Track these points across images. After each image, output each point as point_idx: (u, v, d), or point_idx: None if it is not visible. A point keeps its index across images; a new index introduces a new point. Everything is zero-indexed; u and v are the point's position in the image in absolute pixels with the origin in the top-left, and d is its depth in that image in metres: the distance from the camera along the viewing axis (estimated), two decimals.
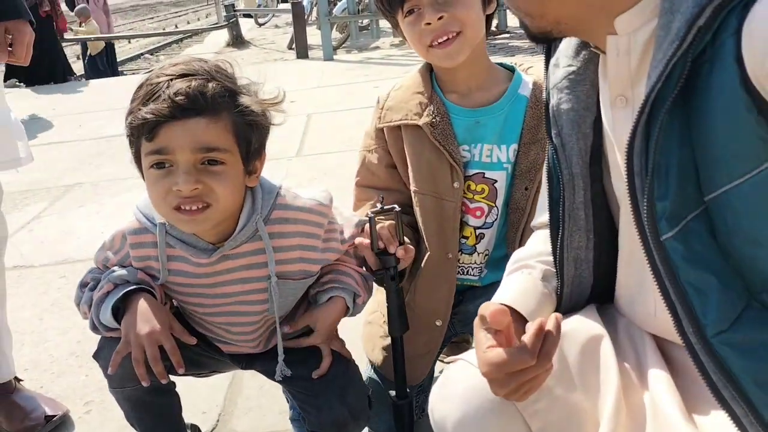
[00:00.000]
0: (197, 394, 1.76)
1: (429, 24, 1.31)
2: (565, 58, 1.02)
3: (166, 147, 1.11)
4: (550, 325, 0.88)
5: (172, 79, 1.11)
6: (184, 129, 1.10)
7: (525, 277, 1.11)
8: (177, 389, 1.42)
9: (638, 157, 0.81)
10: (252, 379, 1.89)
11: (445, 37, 1.32)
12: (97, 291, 1.26)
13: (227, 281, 1.28)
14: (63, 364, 2.10)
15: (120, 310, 1.22)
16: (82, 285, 1.32)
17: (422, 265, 1.46)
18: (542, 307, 1.05)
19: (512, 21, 7.58)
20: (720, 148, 0.76)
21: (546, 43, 1.00)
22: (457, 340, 1.72)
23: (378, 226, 1.34)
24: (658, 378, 0.94)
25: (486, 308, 0.93)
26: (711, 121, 0.75)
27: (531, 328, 0.88)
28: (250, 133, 1.17)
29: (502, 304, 0.98)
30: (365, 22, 8.67)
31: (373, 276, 1.38)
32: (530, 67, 1.48)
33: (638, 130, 0.80)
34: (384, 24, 8.68)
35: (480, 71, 1.42)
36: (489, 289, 1.48)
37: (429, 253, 1.45)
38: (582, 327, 1.01)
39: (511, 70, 1.47)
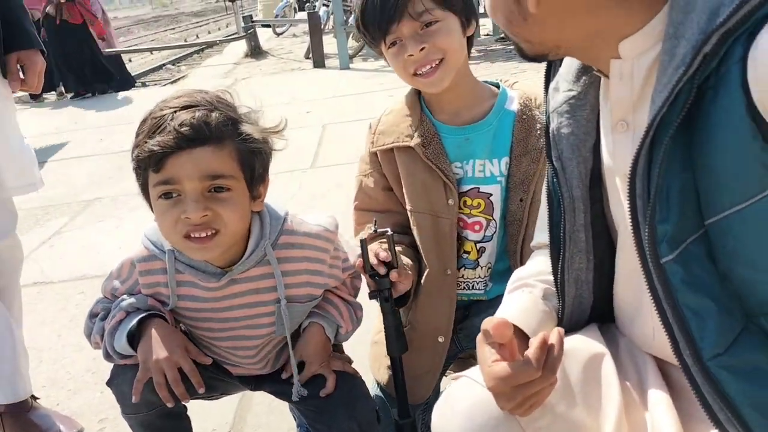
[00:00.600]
0: (207, 412, 1.79)
1: (411, 55, 1.34)
2: (565, 82, 1.03)
3: (174, 177, 1.14)
4: (553, 339, 0.90)
5: (175, 111, 1.15)
6: (190, 158, 1.13)
7: (526, 296, 1.12)
8: (188, 411, 1.44)
9: (641, 180, 0.82)
10: (261, 396, 1.90)
11: (428, 66, 1.35)
12: (108, 320, 1.28)
13: (235, 305, 1.32)
14: (79, 381, 2.14)
15: (135, 337, 1.25)
16: (92, 315, 1.34)
17: (422, 282, 1.48)
18: (543, 325, 1.06)
19: None
20: (723, 173, 0.76)
21: (541, 62, 1.00)
22: (464, 356, 1.72)
23: (372, 250, 1.36)
24: (658, 399, 0.94)
25: (488, 322, 0.94)
26: (714, 146, 0.76)
27: (535, 341, 0.90)
28: (254, 159, 1.20)
29: None
30: None
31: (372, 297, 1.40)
32: (515, 83, 1.51)
33: (642, 154, 0.80)
34: None
35: (466, 91, 1.45)
36: (495, 302, 1.48)
37: (428, 270, 1.47)
38: (584, 345, 1.02)
39: (496, 86, 1.50)
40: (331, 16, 8.55)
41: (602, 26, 0.85)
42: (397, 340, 1.39)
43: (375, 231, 1.37)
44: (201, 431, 1.55)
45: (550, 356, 0.89)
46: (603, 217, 1.05)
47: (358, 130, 4.74)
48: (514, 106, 1.44)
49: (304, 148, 4.29)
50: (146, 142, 1.14)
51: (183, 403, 1.25)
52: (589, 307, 1.08)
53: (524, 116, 1.42)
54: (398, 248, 1.44)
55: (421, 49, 1.33)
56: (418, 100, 1.49)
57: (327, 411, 1.33)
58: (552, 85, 1.05)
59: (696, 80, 0.75)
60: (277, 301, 1.32)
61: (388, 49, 1.38)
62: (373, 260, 1.33)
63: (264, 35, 11.40)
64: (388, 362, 1.54)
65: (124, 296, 1.31)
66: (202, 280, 1.27)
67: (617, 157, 0.93)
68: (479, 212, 1.46)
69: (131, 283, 1.32)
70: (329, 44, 8.28)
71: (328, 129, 4.77)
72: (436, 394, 1.61)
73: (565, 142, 1.01)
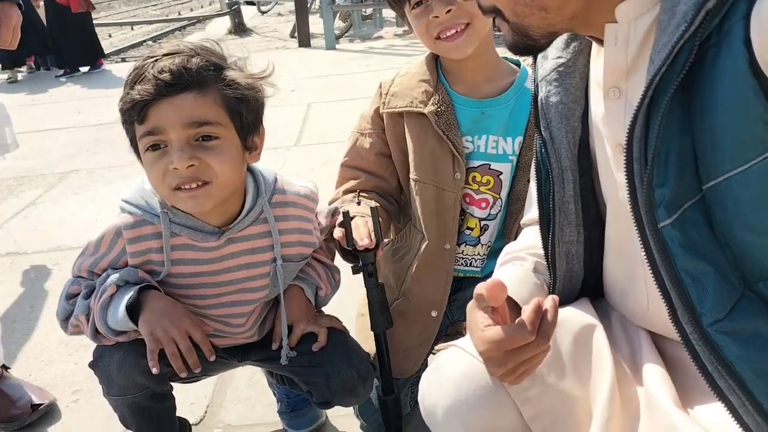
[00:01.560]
0: (185, 386, 1.72)
1: (437, 17, 1.28)
2: (554, 49, 1.00)
3: (158, 126, 1.10)
4: (547, 305, 0.88)
5: (157, 60, 1.11)
6: (172, 106, 1.09)
7: (517, 268, 1.10)
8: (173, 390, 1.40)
9: (638, 143, 0.79)
10: (242, 370, 1.86)
11: (453, 30, 1.30)
12: (96, 297, 1.20)
13: (233, 267, 1.28)
14: (52, 353, 2.07)
15: (134, 311, 1.19)
16: (69, 296, 1.26)
17: (420, 253, 1.44)
18: (535, 296, 1.03)
19: None
20: (724, 134, 0.74)
21: (529, 54, 0.96)
22: (451, 333, 1.69)
23: (356, 225, 1.32)
24: (653, 371, 0.92)
25: (482, 287, 0.91)
26: (715, 106, 0.73)
27: (529, 306, 0.87)
28: (241, 106, 1.15)
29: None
30: (368, 11, 8.60)
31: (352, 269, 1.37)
32: (535, 62, 1.46)
33: (639, 116, 0.78)
34: (387, 13, 8.63)
35: (487, 63, 1.40)
36: (487, 277, 1.47)
37: (426, 242, 1.43)
38: (575, 317, 1.00)
39: (516, 64, 1.45)
40: None
41: None
42: (381, 315, 1.35)
43: (358, 203, 1.34)
44: (179, 405, 1.49)
45: (544, 322, 0.87)
46: (591, 189, 1.02)
47: (343, 109, 4.70)
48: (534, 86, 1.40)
49: (288, 126, 4.22)
50: (128, 93, 1.10)
51: (196, 371, 1.20)
52: (580, 282, 1.06)
53: None
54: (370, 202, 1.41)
55: (448, 11, 1.27)
56: (435, 66, 1.43)
57: (324, 363, 1.31)
58: (541, 53, 1.02)
59: (698, 38, 0.72)
60: (273, 261, 1.28)
61: (412, 9, 1.32)
62: (357, 236, 1.28)
63: (248, 13, 11.25)
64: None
65: (109, 271, 1.23)
66: (200, 240, 1.22)
67: (609, 124, 0.91)
68: (487, 189, 1.42)
69: (115, 255, 1.24)
70: (315, 24, 8.18)
71: (313, 108, 4.70)
72: (425, 368, 1.58)
73: (554, 110, 0.99)
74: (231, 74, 1.14)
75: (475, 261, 1.48)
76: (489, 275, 1.47)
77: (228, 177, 1.14)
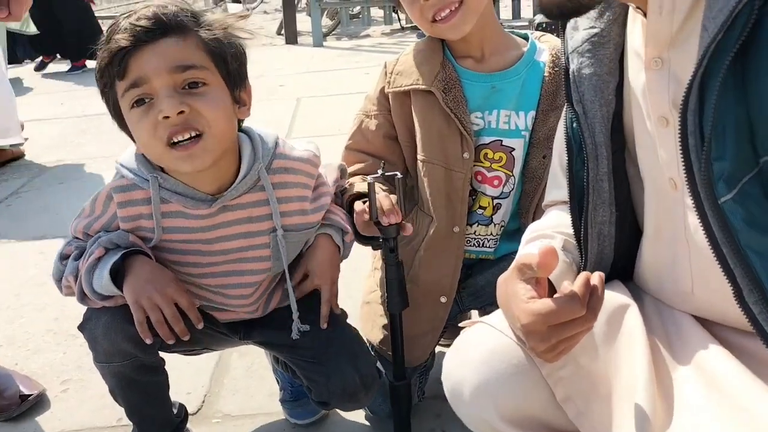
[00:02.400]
0: (181, 375, 1.67)
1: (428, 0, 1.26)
2: (586, 20, 0.96)
3: (141, 77, 1.05)
4: (595, 280, 0.83)
5: (130, 15, 1.08)
6: (153, 52, 1.05)
7: (546, 245, 1.06)
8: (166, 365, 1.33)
9: (692, 115, 0.76)
10: (239, 359, 1.81)
11: (447, 11, 1.27)
12: (85, 259, 1.16)
13: (227, 236, 1.21)
14: (39, 341, 2.00)
15: (118, 276, 1.14)
16: (63, 257, 1.23)
17: (428, 237, 1.40)
18: (565, 275, 0.99)
19: (505, 13, 7.52)
20: None
21: (573, 16, 0.92)
22: (459, 320, 1.66)
23: (379, 195, 1.27)
24: (715, 352, 0.86)
25: (527, 256, 0.87)
26: None
27: (579, 279, 0.83)
28: (224, 49, 1.12)
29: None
30: (356, 9, 8.56)
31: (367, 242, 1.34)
32: (542, 36, 1.43)
33: (694, 87, 0.74)
34: (375, 12, 8.59)
35: (492, 35, 1.37)
36: (501, 261, 1.43)
37: (435, 225, 1.38)
38: (609, 297, 0.95)
39: (524, 38, 1.41)
40: None
41: None
42: (399, 294, 1.31)
43: (383, 175, 1.27)
44: (175, 395, 1.44)
45: (593, 297, 0.82)
46: (623, 166, 0.98)
47: (333, 104, 4.64)
48: (544, 58, 1.36)
49: (278, 121, 4.14)
50: (105, 48, 1.06)
51: (184, 338, 1.15)
52: (610, 265, 1.02)
53: (555, 68, 1.34)
54: (383, 189, 1.36)
55: None
56: (440, 42, 1.39)
57: (328, 359, 1.25)
58: (570, 24, 0.98)
59: (757, 1, 0.69)
60: (273, 231, 1.22)
61: None
62: (383, 205, 1.24)
63: (233, 10, 11.14)
64: (383, 322, 1.46)
65: (101, 233, 1.19)
66: (191, 207, 1.16)
67: (651, 96, 0.87)
68: (500, 166, 1.38)
69: (108, 218, 1.20)
70: (302, 22, 8.10)
71: (302, 102, 4.64)
72: (432, 358, 1.54)
73: (587, 83, 0.95)
74: (209, 17, 1.12)
75: (488, 242, 1.44)
76: (503, 257, 1.45)
77: (221, 127, 1.10)
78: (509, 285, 0.91)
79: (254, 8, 11.78)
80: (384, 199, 1.25)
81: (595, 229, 0.99)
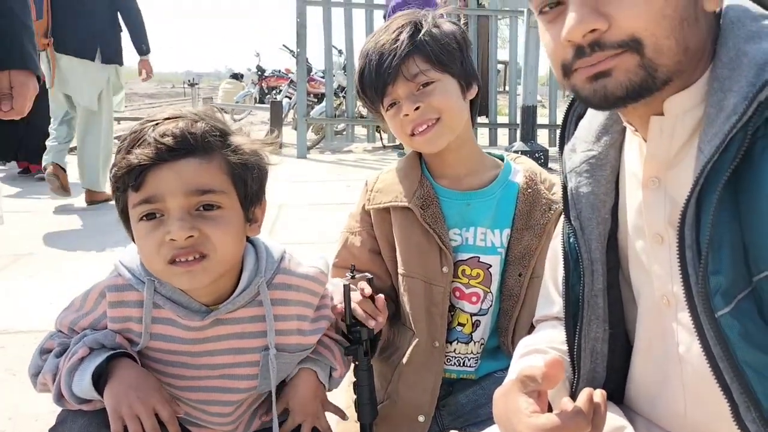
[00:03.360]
0: None
1: (407, 115, 1.33)
2: (583, 143, 1.01)
3: (156, 194, 1.02)
4: (597, 398, 0.82)
5: (158, 124, 1.05)
6: (173, 171, 1.02)
7: (540, 360, 1.04)
8: None
9: (690, 230, 0.79)
10: None
11: (424, 126, 1.33)
12: (67, 357, 1.10)
13: (216, 350, 1.16)
14: None
15: (101, 379, 1.08)
16: (43, 351, 1.16)
17: (410, 351, 1.37)
18: (560, 392, 0.96)
19: (482, 141, 7.83)
20: None
21: (637, 99, 0.83)
22: None
23: (354, 300, 1.28)
24: None
25: (530, 368, 0.84)
26: (764, 197, 0.74)
27: (582, 395, 0.81)
28: (247, 173, 1.09)
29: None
30: (341, 126, 8.88)
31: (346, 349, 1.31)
32: (518, 157, 1.49)
33: (691, 203, 0.78)
34: (359, 130, 8.91)
35: (468, 156, 1.43)
36: (482, 380, 1.41)
37: (417, 340, 1.37)
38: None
39: (500, 158, 1.48)
40: (292, 109, 8.71)
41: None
42: (370, 402, 1.28)
43: (353, 276, 1.29)
44: None
45: (597, 415, 0.81)
46: (618, 285, 1.00)
47: (314, 213, 4.70)
48: (519, 179, 1.42)
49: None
50: (125, 158, 1.02)
51: None
52: (602, 384, 1.01)
53: (529, 189, 1.40)
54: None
55: (416, 108, 1.32)
56: (419, 162, 1.45)
57: None
58: (568, 146, 1.04)
59: (750, 128, 0.74)
60: (265, 349, 1.16)
61: (387, 110, 1.37)
62: (357, 310, 1.25)
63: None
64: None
65: (87, 331, 1.14)
66: (183, 317, 1.11)
67: (647, 214, 0.90)
68: (477, 283, 1.39)
69: (97, 315, 1.15)
70: (288, 135, 8.36)
71: (283, 209, 4.69)
72: None
73: (585, 201, 0.98)
74: (237, 139, 1.09)
75: (469, 360, 1.42)
76: (485, 377, 1.42)
77: (228, 251, 1.07)
78: (510, 398, 0.88)
79: (241, 119, 12.17)
80: (361, 303, 1.26)
81: (589, 345, 0.99)
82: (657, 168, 0.88)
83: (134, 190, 1.03)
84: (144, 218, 1.04)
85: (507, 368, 1.11)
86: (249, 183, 1.10)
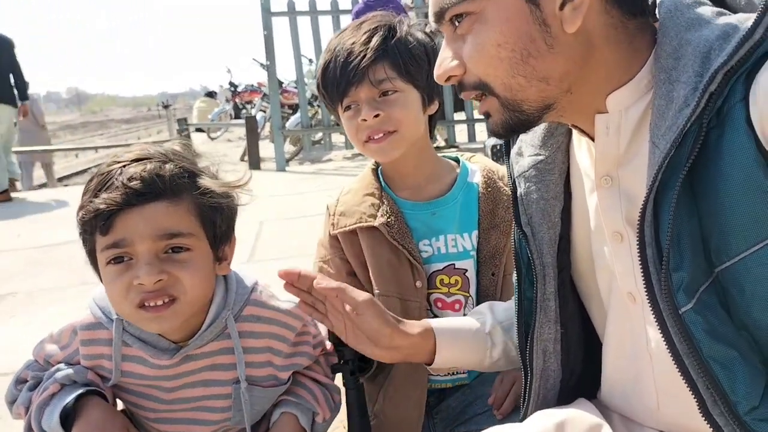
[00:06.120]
0: None
1: (365, 120, 1.29)
2: (530, 147, 1.00)
3: (124, 239, 1.00)
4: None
5: (125, 166, 1.03)
6: (141, 216, 1.00)
7: (472, 322, 1.17)
8: None
9: (649, 227, 0.78)
10: None
11: (380, 134, 1.31)
12: (38, 392, 1.10)
13: (187, 384, 1.14)
14: None
15: (69, 416, 1.07)
16: (19, 381, 1.16)
17: (393, 370, 1.36)
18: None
19: (460, 137, 7.86)
20: (736, 214, 0.73)
21: (520, 132, 0.96)
22: None
23: None
24: None
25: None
26: (725, 187, 0.73)
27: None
28: (215, 215, 1.07)
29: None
30: (318, 135, 8.84)
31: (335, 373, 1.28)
32: (472, 156, 1.48)
33: (649, 200, 0.77)
34: (337, 138, 8.88)
35: (426, 164, 1.40)
36: (474, 383, 1.40)
37: None
38: (581, 416, 0.95)
39: (455, 160, 1.46)
40: (268, 122, 8.67)
41: (601, 70, 0.82)
42: (360, 420, 1.24)
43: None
44: None
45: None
46: (570, 285, 1.01)
47: (296, 227, 4.67)
48: (477, 179, 1.40)
49: (241, 242, 4.10)
50: (92, 201, 1.01)
51: None
52: (558, 381, 1.02)
53: (489, 188, 1.38)
54: None
55: (376, 116, 1.29)
56: (377, 177, 1.42)
57: None
58: (514, 150, 1.03)
59: (704, 120, 0.73)
60: (236, 382, 1.14)
61: (344, 111, 1.34)
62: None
63: (198, 140, 11.44)
64: None
65: (61, 365, 1.13)
66: (152, 355, 1.10)
67: (605, 213, 0.89)
68: (457, 290, 1.37)
69: (71, 351, 1.14)
70: (265, 149, 8.32)
71: (265, 225, 4.65)
72: None
73: (535, 207, 0.98)
74: (206, 182, 1.07)
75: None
76: (479, 380, 1.40)
77: (197, 293, 1.06)
78: None
79: (218, 137, 12.12)
80: None
81: (540, 346, 1.00)
82: (608, 166, 0.88)
83: (102, 234, 1.02)
84: (112, 262, 1.03)
85: None
86: (218, 223, 1.09)
